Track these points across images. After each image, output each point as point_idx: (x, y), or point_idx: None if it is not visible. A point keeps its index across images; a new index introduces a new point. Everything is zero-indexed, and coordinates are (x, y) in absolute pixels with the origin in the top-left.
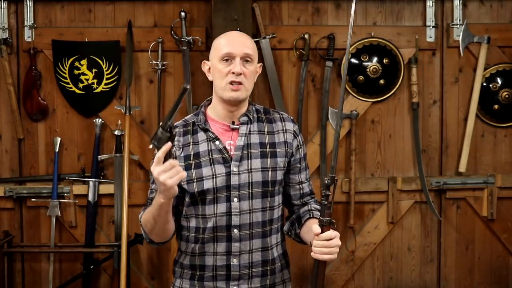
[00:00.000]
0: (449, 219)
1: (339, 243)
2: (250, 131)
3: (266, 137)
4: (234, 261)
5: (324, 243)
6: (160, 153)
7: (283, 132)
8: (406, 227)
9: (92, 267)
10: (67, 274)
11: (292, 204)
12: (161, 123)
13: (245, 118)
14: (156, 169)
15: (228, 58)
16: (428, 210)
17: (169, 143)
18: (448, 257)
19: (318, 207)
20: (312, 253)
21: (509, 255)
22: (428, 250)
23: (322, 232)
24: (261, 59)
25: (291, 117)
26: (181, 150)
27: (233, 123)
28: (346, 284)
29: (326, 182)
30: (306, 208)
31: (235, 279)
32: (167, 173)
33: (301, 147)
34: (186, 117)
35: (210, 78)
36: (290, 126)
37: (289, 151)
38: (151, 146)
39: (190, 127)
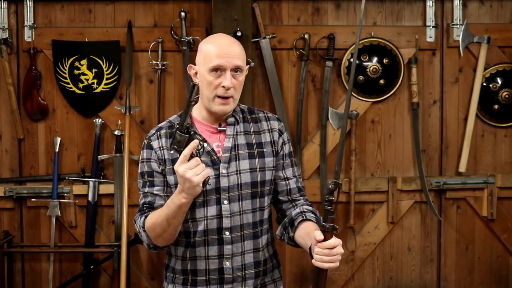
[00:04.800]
0: (449, 219)
1: (342, 251)
2: (237, 132)
3: (253, 137)
4: (227, 264)
5: (325, 252)
6: (186, 151)
7: (269, 132)
8: (406, 227)
9: (92, 267)
10: (67, 274)
11: (279, 200)
12: (177, 126)
13: (232, 119)
14: (182, 167)
15: (218, 70)
16: (428, 210)
17: (196, 141)
18: (448, 257)
19: (310, 208)
20: (313, 261)
21: (509, 255)
22: (428, 250)
23: (325, 239)
24: (261, 59)
25: (276, 116)
26: (168, 152)
27: (219, 125)
28: (346, 284)
29: (330, 187)
30: (298, 210)
31: (228, 282)
32: (193, 170)
33: (285, 144)
34: (171, 118)
35: (196, 82)
36: (275, 124)
37: (276, 150)
38: (172, 152)
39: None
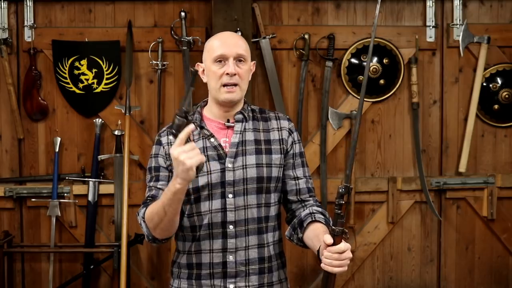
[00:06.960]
0: (449, 219)
1: (351, 255)
2: (245, 128)
3: (261, 135)
4: (230, 258)
5: (335, 256)
6: (183, 135)
7: (278, 130)
8: (406, 227)
9: (92, 267)
10: (67, 274)
11: (289, 200)
12: (176, 111)
13: (240, 116)
14: (177, 150)
15: (221, 60)
16: (428, 210)
17: (192, 125)
18: (448, 257)
19: (320, 209)
20: (322, 265)
21: (509, 255)
22: (428, 250)
23: (334, 243)
24: (261, 59)
25: (287, 116)
26: None
27: (228, 121)
28: (346, 284)
29: (340, 191)
30: (307, 211)
31: (231, 277)
32: (187, 153)
33: (296, 144)
34: None
35: (204, 80)
36: (285, 124)
37: (285, 148)
38: (171, 137)
39: None
